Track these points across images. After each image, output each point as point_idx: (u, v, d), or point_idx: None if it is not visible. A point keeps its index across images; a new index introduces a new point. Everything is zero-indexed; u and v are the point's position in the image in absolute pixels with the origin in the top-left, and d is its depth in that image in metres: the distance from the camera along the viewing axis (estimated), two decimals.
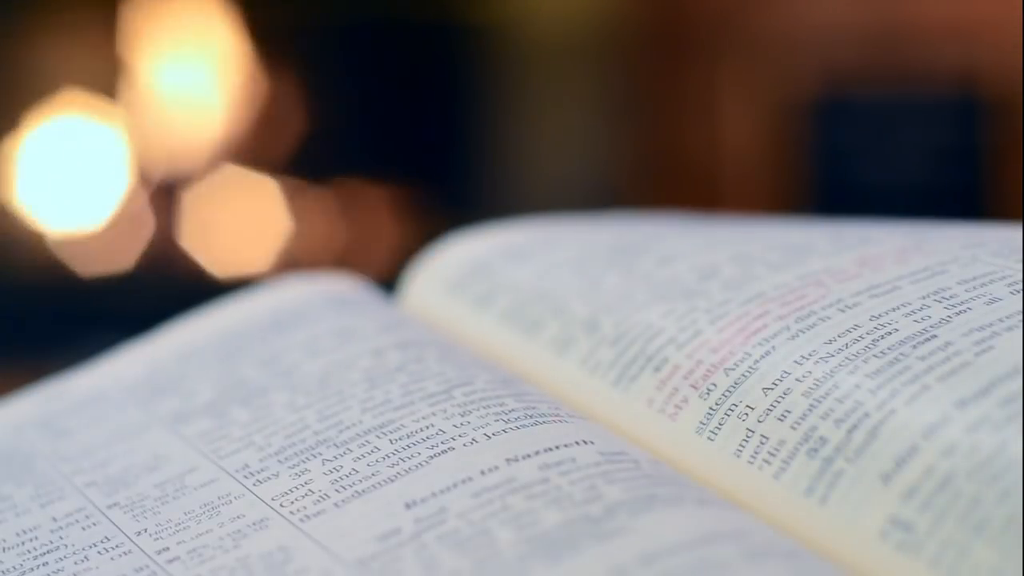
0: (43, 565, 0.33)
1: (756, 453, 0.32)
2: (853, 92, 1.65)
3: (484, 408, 0.34)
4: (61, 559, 0.33)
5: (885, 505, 0.29)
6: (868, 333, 0.33)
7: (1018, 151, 1.57)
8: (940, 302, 0.34)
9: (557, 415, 0.34)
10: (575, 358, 0.38)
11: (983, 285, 0.34)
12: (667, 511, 0.29)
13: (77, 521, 0.34)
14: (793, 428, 0.31)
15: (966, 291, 0.34)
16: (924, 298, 0.34)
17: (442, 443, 0.33)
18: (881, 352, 0.32)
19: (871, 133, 1.63)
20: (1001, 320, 0.32)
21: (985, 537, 0.27)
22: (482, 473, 0.31)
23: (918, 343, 0.32)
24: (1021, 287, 0.33)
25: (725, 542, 0.28)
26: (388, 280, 0.50)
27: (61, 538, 0.34)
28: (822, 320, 0.34)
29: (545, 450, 0.32)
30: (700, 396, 0.34)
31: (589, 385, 0.37)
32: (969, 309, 0.33)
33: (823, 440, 0.31)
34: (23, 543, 0.34)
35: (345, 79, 1.74)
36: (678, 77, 1.70)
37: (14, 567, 0.33)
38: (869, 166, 1.63)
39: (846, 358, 0.32)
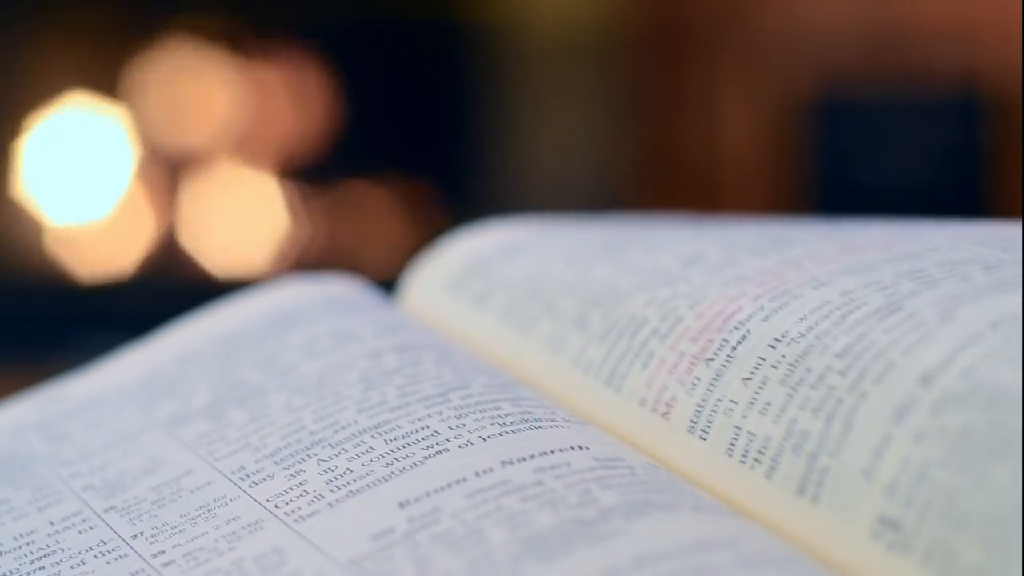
0: (40, 569, 0.33)
1: (746, 452, 0.32)
2: (853, 92, 1.65)
3: (480, 411, 0.34)
4: (58, 563, 0.33)
5: (871, 503, 0.29)
6: (838, 308, 0.33)
7: (1018, 151, 1.57)
8: (913, 279, 0.33)
9: (553, 419, 0.34)
10: (569, 358, 0.38)
11: (959, 267, 0.33)
12: (661, 517, 0.29)
13: (74, 525, 0.34)
14: (775, 422, 0.31)
15: (940, 271, 0.33)
16: (897, 275, 0.34)
17: (437, 444, 0.33)
18: (850, 327, 0.32)
19: (871, 133, 1.63)
20: (969, 293, 0.32)
21: (968, 533, 0.27)
22: (476, 475, 0.31)
23: (885, 315, 0.32)
24: (994, 266, 0.33)
25: (719, 549, 0.28)
26: (389, 280, 0.50)
27: (58, 542, 0.34)
28: (795, 298, 0.34)
29: (540, 454, 0.32)
30: (687, 392, 0.34)
31: (584, 385, 0.37)
32: (940, 285, 0.32)
33: (805, 434, 0.31)
34: (20, 547, 0.34)
35: (346, 79, 1.74)
36: (678, 77, 1.70)
37: (11, 571, 0.33)
38: (869, 166, 1.63)
39: (816, 337, 0.32)
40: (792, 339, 0.33)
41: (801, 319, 0.33)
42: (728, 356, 0.34)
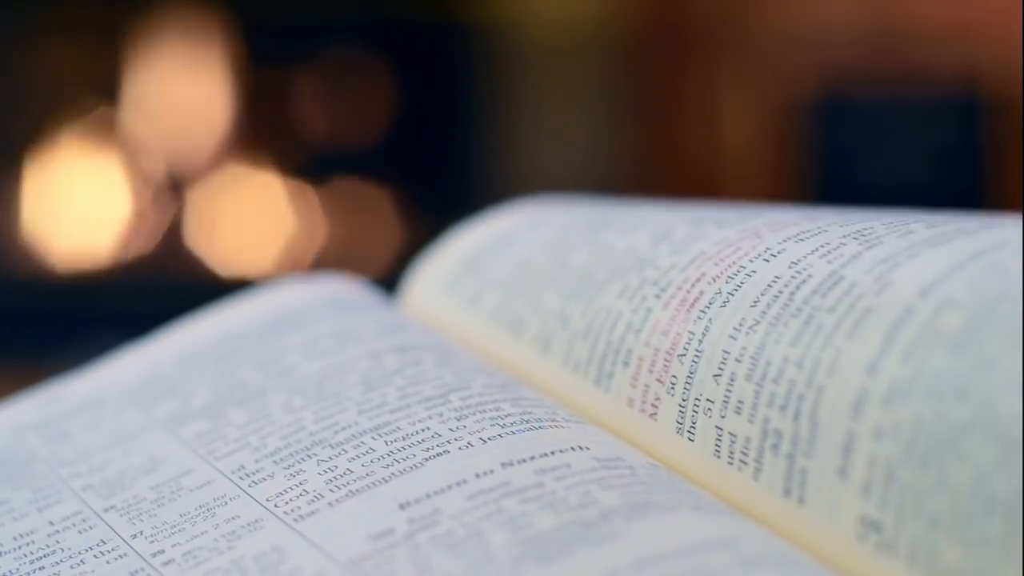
0: (40, 569, 0.33)
1: (732, 453, 0.32)
2: (853, 92, 1.65)
3: (480, 413, 0.34)
4: (58, 563, 0.33)
5: (851, 503, 0.29)
6: (786, 285, 0.33)
7: (1018, 151, 1.57)
8: (857, 239, 0.33)
9: (554, 420, 0.34)
10: (558, 357, 0.38)
11: (903, 224, 0.33)
12: (662, 518, 0.29)
13: (74, 524, 0.34)
14: (750, 421, 0.31)
15: (886, 228, 0.33)
16: (844, 237, 0.33)
17: (437, 446, 0.33)
18: (797, 308, 0.32)
19: (871, 133, 1.63)
20: (906, 249, 0.31)
21: (943, 534, 0.27)
22: (477, 476, 0.31)
23: (827, 289, 0.31)
24: (938, 223, 0.32)
25: (719, 550, 0.28)
26: (390, 280, 0.50)
27: (58, 542, 0.34)
28: (748, 276, 0.34)
29: (540, 455, 0.32)
30: (667, 392, 0.34)
31: (575, 384, 0.37)
32: (881, 243, 0.32)
33: (779, 434, 0.30)
34: (20, 547, 0.34)
35: (346, 79, 1.74)
36: (678, 77, 1.70)
37: (11, 571, 0.33)
38: (869, 166, 1.63)
39: (769, 323, 0.32)
40: (749, 327, 0.33)
41: (755, 301, 0.33)
42: (696, 351, 0.33)
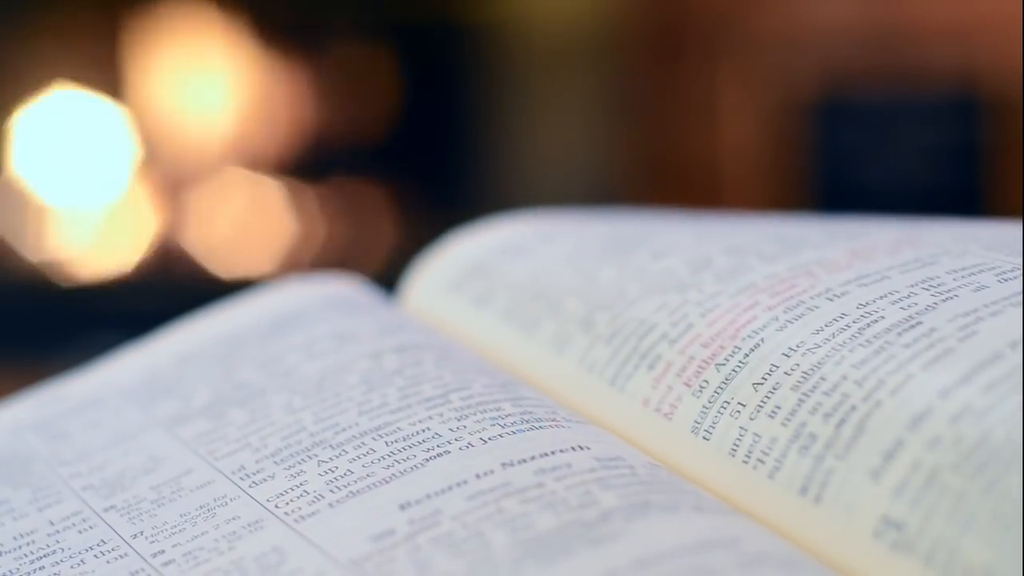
0: (40, 569, 0.33)
1: (750, 452, 0.32)
2: (853, 92, 1.65)
3: (481, 413, 0.34)
4: (58, 563, 0.33)
5: (876, 503, 0.29)
6: (855, 321, 0.33)
7: (1018, 151, 1.57)
8: (927, 290, 0.34)
9: (554, 419, 0.34)
10: (573, 357, 0.38)
11: (972, 274, 0.34)
12: (662, 518, 0.29)
13: (74, 524, 0.34)
14: (784, 425, 0.31)
15: (954, 280, 0.34)
16: (912, 286, 0.34)
17: (438, 446, 0.33)
18: (867, 340, 0.32)
19: (871, 133, 1.63)
20: (986, 306, 0.32)
21: (973, 533, 0.27)
22: (477, 477, 0.31)
23: (903, 330, 0.32)
24: (1009, 276, 0.33)
25: (719, 550, 0.28)
26: (389, 280, 0.50)
27: (58, 542, 0.34)
28: (810, 310, 0.34)
29: (541, 455, 0.32)
30: (693, 394, 0.34)
31: (587, 384, 0.37)
32: (956, 296, 0.33)
33: (813, 437, 0.31)
34: (20, 547, 0.34)
35: (346, 79, 1.74)
36: (678, 77, 1.70)
37: (11, 571, 0.33)
38: (869, 166, 1.63)
39: (833, 348, 0.32)
40: (808, 348, 0.33)
41: (818, 330, 0.33)
42: (740, 361, 0.34)
